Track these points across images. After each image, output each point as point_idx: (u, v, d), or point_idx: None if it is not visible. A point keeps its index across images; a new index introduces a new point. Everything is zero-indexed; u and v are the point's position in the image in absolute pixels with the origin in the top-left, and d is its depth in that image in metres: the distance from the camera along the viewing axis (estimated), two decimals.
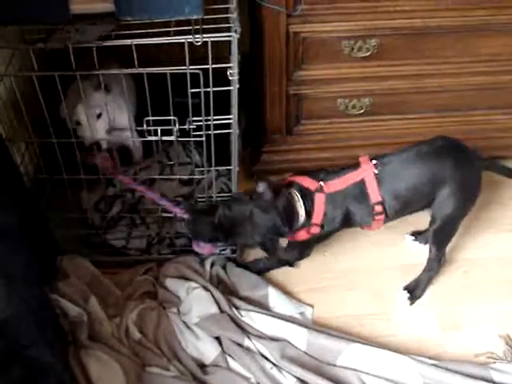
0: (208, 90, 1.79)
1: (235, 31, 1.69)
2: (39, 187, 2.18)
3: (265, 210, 1.88)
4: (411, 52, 2.18)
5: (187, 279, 2.08)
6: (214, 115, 1.88)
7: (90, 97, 2.03)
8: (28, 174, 2.13)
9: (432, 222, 2.01)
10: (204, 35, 1.67)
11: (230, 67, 1.76)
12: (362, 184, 1.94)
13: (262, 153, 2.40)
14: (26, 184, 2.03)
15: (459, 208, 1.97)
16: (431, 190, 1.94)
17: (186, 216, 2.06)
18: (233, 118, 1.88)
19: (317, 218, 1.95)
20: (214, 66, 1.74)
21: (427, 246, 2.09)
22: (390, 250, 2.24)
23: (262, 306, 2.05)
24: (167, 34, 1.70)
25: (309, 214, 1.94)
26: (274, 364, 1.88)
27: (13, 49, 1.81)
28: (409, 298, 2.09)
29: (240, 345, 1.91)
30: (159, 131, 1.86)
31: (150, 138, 1.88)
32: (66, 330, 1.83)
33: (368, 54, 2.15)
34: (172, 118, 1.83)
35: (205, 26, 1.70)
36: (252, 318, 1.99)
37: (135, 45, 1.69)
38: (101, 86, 1.96)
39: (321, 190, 1.93)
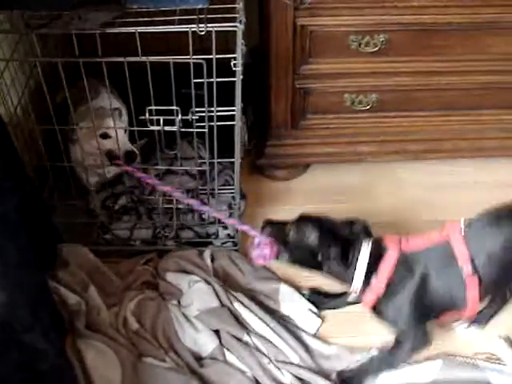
0: (211, 80, 1.78)
1: (240, 21, 1.68)
2: (42, 175, 2.18)
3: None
4: (419, 49, 2.16)
5: (188, 273, 2.07)
6: (222, 107, 1.87)
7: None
8: (31, 161, 2.12)
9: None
10: (208, 25, 1.66)
11: (233, 58, 1.74)
12: (447, 244, 1.70)
13: (267, 146, 2.38)
14: (29, 172, 2.02)
15: None
16: None
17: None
18: (236, 109, 1.86)
19: (384, 275, 1.70)
20: (217, 56, 1.73)
21: None
22: None
23: (271, 300, 2.03)
24: (173, 23, 1.70)
25: (369, 273, 1.70)
26: (270, 360, 1.87)
27: (15, 33, 1.81)
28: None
29: (239, 339, 1.90)
30: (161, 121, 1.85)
31: (152, 128, 1.87)
32: (64, 318, 1.82)
33: (376, 49, 2.13)
34: (174, 107, 1.82)
35: (211, 16, 1.69)
36: (252, 319, 1.96)
37: (140, 34, 1.68)
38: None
39: (396, 247, 1.71)
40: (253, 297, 2.03)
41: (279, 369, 1.84)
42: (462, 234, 1.69)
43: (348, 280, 1.73)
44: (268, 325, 1.93)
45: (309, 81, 2.23)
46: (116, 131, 1.97)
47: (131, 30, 1.67)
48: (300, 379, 1.82)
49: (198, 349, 1.89)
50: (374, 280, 1.70)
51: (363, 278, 1.70)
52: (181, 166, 2.15)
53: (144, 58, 1.73)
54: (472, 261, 1.66)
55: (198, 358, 1.87)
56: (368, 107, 2.29)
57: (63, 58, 1.77)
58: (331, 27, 2.10)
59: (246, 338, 1.90)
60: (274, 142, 2.38)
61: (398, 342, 1.77)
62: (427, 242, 1.72)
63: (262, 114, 2.39)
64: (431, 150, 2.42)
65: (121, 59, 1.73)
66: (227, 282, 2.07)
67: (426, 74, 2.23)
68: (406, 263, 1.69)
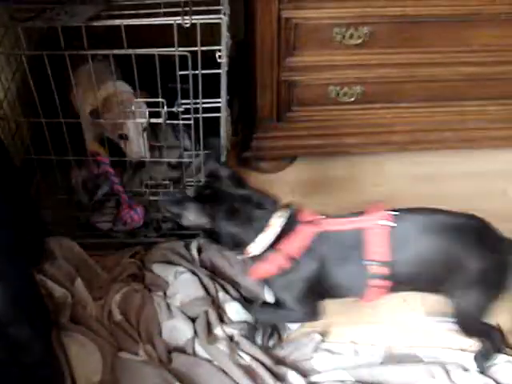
0: (196, 72, 1.79)
1: (224, 13, 1.70)
2: (29, 169, 2.18)
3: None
4: (403, 41, 2.18)
5: (174, 264, 2.07)
6: (207, 99, 1.88)
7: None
8: (18, 155, 2.13)
9: (454, 314, 1.73)
10: (193, 17, 1.67)
11: (218, 50, 1.75)
12: (361, 232, 1.59)
13: (253, 139, 2.39)
14: (16, 166, 2.03)
15: (479, 303, 1.67)
16: (444, 272, 1.63)
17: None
18: (222, 101, 1.88)
19: (293, 248, 1.59)
20: (202, 48, 1.74)
21: None
22: None
23: (256, 292, 2.01)
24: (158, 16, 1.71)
25: (276, 240, 1.59)
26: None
27: (0, 27, 1.81)
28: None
29: (211, 330, 1.90)
30: (147, 113, 1.86)
31: (138, 120, 1.88)
32: (50, 311, 1.83)
33: (360, 41, 2.14)
34: (160, 100, 1.83)
35: (196, 8, 1.70)
36: (233, 310, 1.97)
37: (126, 29, 1.69)
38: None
39: (314, 223, 1.61)
40: (239, 288, 2.04)
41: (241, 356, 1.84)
42: (390, 226, 1.59)
43: (244, 241, 1.61)
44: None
45: (294, 73, 2.24)
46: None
47: (117, 22, 1.67)
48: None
49: (174, 338, 1.89)
50: (277, 251, 1.59)
51: (267, 245, 1.60)
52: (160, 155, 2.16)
53: (130, 51, 1.74)
54: (390, 260, 1.58)
55: (171, 350, 1.87)
56: (353, 99, 2.30)
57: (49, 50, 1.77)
58: (315, 20, 2.11)
59: (219, 329, 1.90)
60: (260, 134, 2.39)
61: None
62: (344, 224, 1.61)
63: (248, 106, 2.40)
64: (416, 141, 2.44)
65: (106, 52, 1.74)
66: (214, 274, 2.07)
67: (409, 65, 2.25)
68: (315, 242, 1.59)
